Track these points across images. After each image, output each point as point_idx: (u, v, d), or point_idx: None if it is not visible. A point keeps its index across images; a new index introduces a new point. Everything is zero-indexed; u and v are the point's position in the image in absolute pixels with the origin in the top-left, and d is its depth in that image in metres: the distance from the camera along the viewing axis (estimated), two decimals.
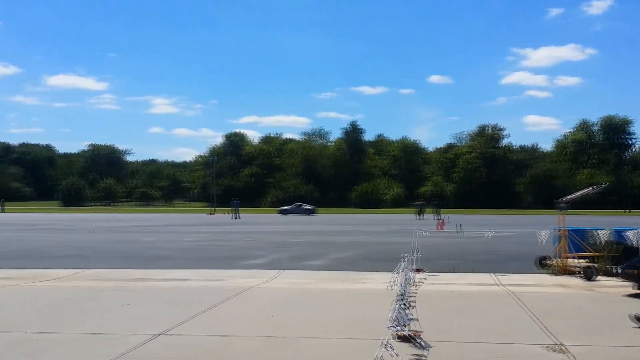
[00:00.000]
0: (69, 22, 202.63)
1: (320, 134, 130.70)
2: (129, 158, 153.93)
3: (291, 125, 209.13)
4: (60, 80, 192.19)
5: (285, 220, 48.42)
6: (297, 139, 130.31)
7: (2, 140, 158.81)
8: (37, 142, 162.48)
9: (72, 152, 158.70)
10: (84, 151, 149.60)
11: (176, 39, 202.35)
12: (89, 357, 5.90)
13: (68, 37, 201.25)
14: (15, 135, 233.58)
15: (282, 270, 13.25)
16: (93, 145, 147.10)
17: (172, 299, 9.57)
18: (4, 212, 70.62)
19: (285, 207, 69.56)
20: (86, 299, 9.52)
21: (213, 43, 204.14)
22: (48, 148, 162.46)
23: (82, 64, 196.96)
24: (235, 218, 52.51)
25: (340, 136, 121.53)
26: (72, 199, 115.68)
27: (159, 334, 6.90)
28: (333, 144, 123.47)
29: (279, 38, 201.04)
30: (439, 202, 57.65)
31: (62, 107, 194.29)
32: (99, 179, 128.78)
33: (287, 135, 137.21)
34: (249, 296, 9.87)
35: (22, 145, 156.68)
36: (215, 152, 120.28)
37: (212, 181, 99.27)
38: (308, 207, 68.63)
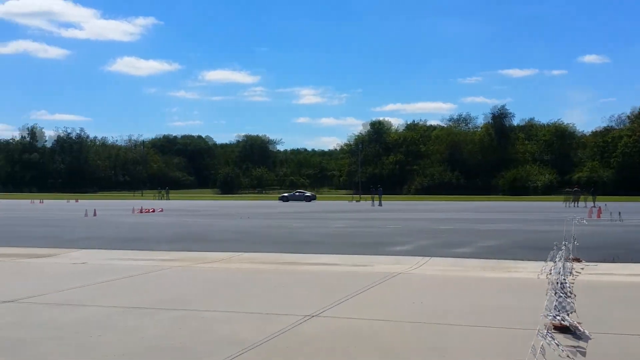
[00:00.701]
0: (224, 20, 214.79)
1: (466, 119, 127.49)
2: (278, 147, 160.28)
3: (435, 111, 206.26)
4: (217, 75, 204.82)
5: (433, 207, 47.87)
6: (442, 126, 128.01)
7: (166, 133, 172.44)
8: (196, 134, 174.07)
9: (228, 142, 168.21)
10: (238, 142, 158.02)
11: (322, 31, 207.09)
12: (250, 334, 6.28)
13: (223, 34, 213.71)
14: (178, 127, 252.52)
15: (429, 257, 13.16)
16: (246, 136, 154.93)
17: (321, 282, 9.88)
18: (169, 199, 76.71)
19: (285, 194, 73.21)
20: (244, 281, 10.12)
21: (357, 33, 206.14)
22: (206, 139, 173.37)
23: (236, 59, 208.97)
24: (378, 205, 52.86)
25: (486, 121, 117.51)
26: (228, 187, 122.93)
27: (311, 316, 7.17)
28: (479, 129, 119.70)
29: (422, 23, 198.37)
30: (595, 189, 54.19)
31: (219, 101, 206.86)
32: (251, 167, 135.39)
33: (432, 122, 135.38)
34: (396, 282, 9.92)
35: (184, 137, 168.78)
36: (359, 141, 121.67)
37: (358, 169, 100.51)
38: (308, 194, 72.82)
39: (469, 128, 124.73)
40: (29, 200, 68.74)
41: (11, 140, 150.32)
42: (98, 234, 20.59)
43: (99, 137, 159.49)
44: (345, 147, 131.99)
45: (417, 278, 10.38)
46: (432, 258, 13.12)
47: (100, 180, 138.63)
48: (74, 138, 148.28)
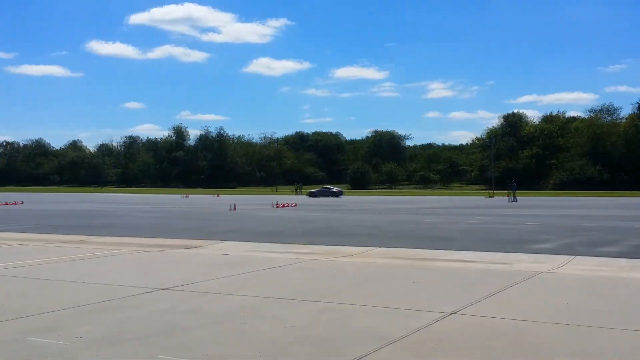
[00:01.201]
0: (353, 17, 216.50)
1: (609, 110, 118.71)
2: (408, 143, 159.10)
3: (575, 102, 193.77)
4: (346, 72, 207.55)
5: (574, 203, 45.25)
6: (582, 117, 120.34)
7: (299, 130, 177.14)
8: (327, 130, 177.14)
9: (357, 138, 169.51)
10: (367, 137, 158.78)
11: (450, 23, 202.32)
12: (389, 329, 6.33)
13: (352, 31, 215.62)
14: (309, 124, 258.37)
15: (573, 256, 12.47)
16: (375, 132, 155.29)
17: (458, 279, 9.71)
18: (302, 194, 78.86)
19: (312, 190, 72.06)
20: (379, 275, 10.19)
21: (487, 22, 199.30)
22: (337, 135, 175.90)
23: (365, 55, 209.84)
24: (513, 201, 50.86)
25: (632, 111, 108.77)
26: (359, 182, 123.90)
27: (450, 313, 7.08)
28: (624, 120, 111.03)
29: (559, 8, 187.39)
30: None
31: (348, 97, 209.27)
32: (381, 163, 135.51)
33: (571, 114, 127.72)
34: (538, 281, 9.52)
35: (315, 133, 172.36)
36: (492, 134, 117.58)
37: (491, 163, 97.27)
38: (335, 189, 70.67)
39: (612, 119, 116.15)
40: (180, 195, 73.64)
41: (160, 139, 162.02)
42: (239, 227, 21.63)
43: (237, 135, 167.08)
44: (477, 141, 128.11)
45: (561, 278, 9.88)
46: (576, 257, 12.43)
47: (239, 176, 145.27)
48: (214, 136, 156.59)
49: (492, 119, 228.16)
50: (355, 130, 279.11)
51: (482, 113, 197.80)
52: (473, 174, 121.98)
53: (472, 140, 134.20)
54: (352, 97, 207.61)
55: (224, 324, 6.63)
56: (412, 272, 10.56)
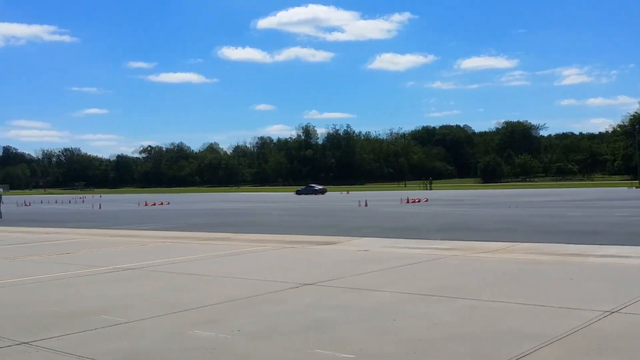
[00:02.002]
0: (477, 6, 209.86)
1: None
2: (541, 133, 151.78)
3: None
4: (472, 63, 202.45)
5: None
6: None
7: (425, 124, 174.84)
8: (454, 123, 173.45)
9: (487, 130, 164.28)
10: (497, 129, 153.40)
11: (583, 4, 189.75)
12: (543, 328, 6.04)
13: (477, 20, 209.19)
14: (435, 118, 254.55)
15: None
16: (506, 123, 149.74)
17: (613, 276, 9.09)
18: (432, 189, 77.74)
19: (298, 189, 76.85)
20: (528, 272, 9.76)
21: (623, 2, 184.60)
22: (465, 128, 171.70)
23: (492, 44, 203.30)
24: None
25: None
26: (490, 176, 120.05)
27: (611, 312, 6.63)
28: None
29: None
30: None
31: (475, 88, 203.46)
32: (514, 155, 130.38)
33: None
34: None
35: (442, 127, 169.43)
36: (636, 120, 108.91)
37: (635, 152, 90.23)
38: (317, 188, 75.30)
39: None
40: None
41: (289, 139, 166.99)
42: (372, 223, 21.73)
43: (364, 132, 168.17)
44: (618, 129, 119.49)
45: None
46: None
47: (367, 173, 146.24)
48: (341, 134, 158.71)
49: (634, 105, 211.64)
50: (483, 122, 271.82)
51: (622, 98, 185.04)
52: (616, 163, 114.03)
53: (613, 127, 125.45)
54: (480, 88, 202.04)
55: (373, 320, 6.66)
56: (562, 268, 10.02)
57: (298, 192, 75.39)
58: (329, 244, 14.68)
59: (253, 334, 6.13)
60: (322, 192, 74.07)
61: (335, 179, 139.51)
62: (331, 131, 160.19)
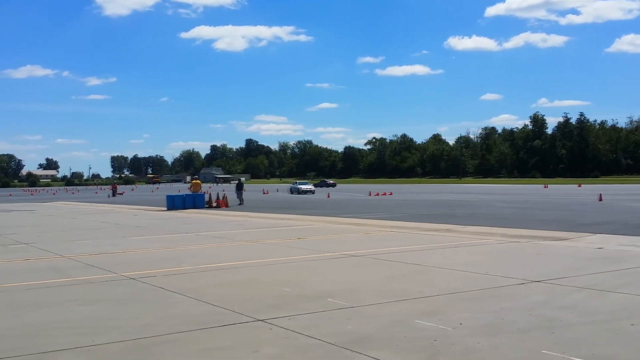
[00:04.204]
0: None
1: None
2: None
3: None
4: None
5: None
6: None
7: None
8: None
9: None
10: None
11: None
12: None
13: None
14: None
15: None
16: None
17: None
18: None
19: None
20: None
21: None
22: None
23: None
24: None
25: None
26: None
27: None
28: None
29: None
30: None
31: None
32: None
33: None
34: None
35: None
36: None
37: None
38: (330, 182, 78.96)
39: None
40: (540, 186, 71.56)
41: (516, 129, 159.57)
42: (609, 219, 19.88)
43: (599, 120, 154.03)
44: None
45: None
46: None
47: (602, 164, 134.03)
48: (574, 123, 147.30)
49: None
50: None
51: None
52: None
53: None
54: None
55: (608, 322, 6.14)
56: None
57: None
58: (558, 240, 13.78)
59: (475, 329, 6.03)
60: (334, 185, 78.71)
61: (565, 171, 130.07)
62: (563, 120, 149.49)
